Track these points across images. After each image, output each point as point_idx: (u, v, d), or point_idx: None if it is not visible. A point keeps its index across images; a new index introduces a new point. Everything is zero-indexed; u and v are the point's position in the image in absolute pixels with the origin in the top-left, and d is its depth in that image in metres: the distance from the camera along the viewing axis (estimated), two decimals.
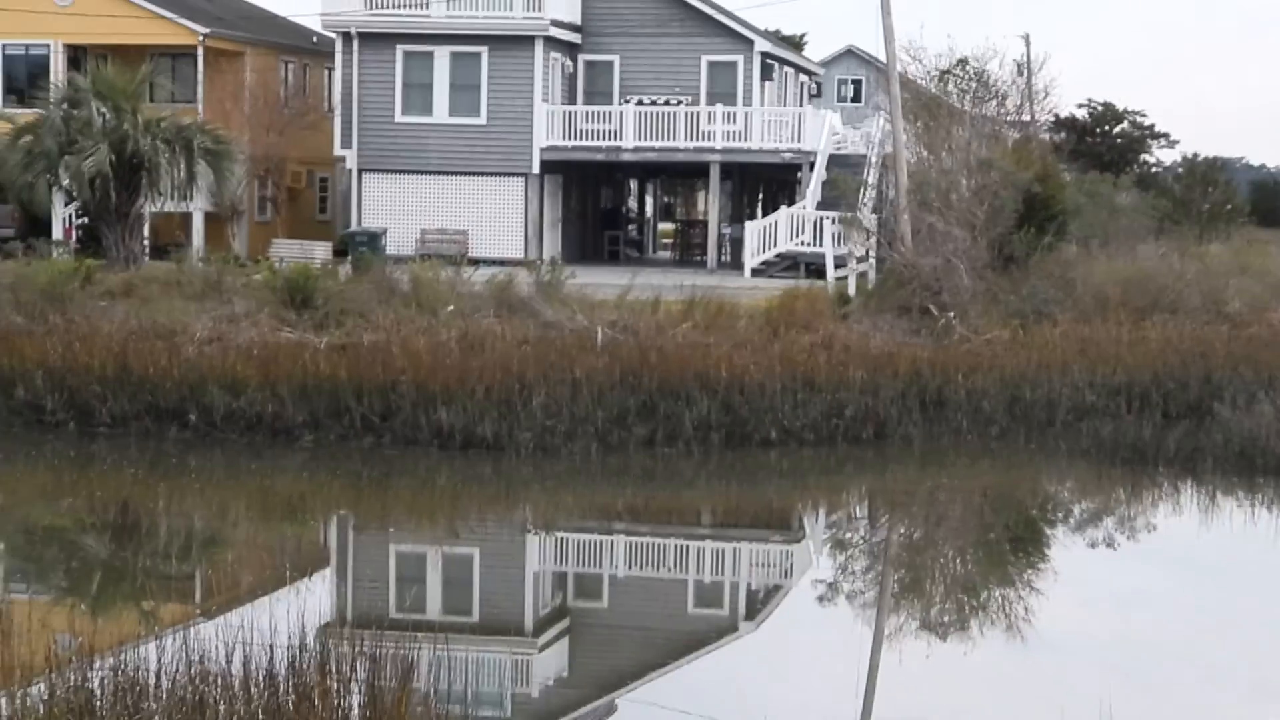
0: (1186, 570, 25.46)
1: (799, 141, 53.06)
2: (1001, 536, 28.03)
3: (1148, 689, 18.09)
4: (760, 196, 59.81)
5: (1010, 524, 29.06)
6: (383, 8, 54.15)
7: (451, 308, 36.98)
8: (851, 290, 42.66)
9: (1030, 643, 20.49)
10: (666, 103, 54.06)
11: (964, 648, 20.65)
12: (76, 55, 56.90)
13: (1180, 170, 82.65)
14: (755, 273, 48.35)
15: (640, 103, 54.03)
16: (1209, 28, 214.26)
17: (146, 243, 48.12)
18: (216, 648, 13.04)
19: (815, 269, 47.21)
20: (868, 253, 46.07)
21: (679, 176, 66.84)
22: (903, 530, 29.52)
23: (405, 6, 54.10)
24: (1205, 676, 19.14)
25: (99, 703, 12.04)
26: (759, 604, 24.18)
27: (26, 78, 56.26)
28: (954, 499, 31.05)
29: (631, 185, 65.33)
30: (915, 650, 20.42)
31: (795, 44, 80.00)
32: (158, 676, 12.41)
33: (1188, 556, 26.27)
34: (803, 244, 49.00)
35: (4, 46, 57.44)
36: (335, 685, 12.53)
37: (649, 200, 68.36)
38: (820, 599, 23.80)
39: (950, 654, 20.38)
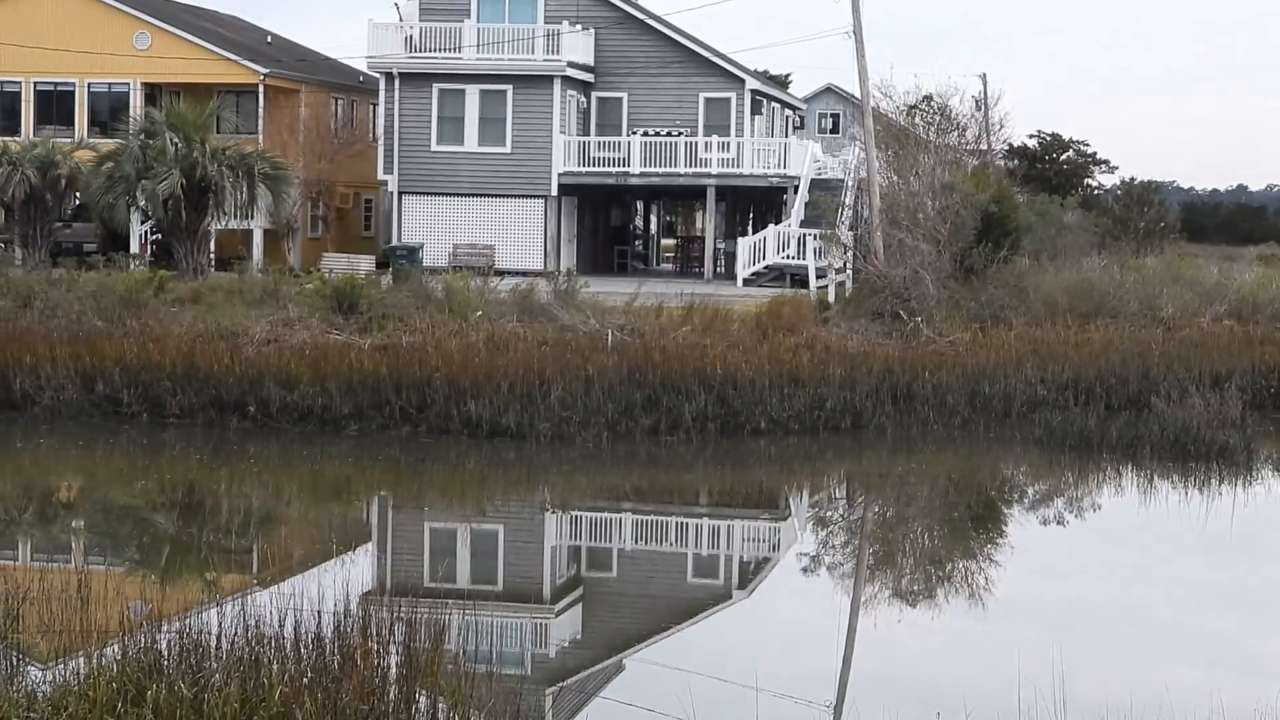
0: (1127, 544, 25.40)
1: (784, 167, 53.01)
2: (964, 515, 27.99)
3: (1094, 649, 17.99)
4: (750, 215, 59.69)
5: (971, 504, 29.00)
6: (421, 51, 54.13)
7: (480, 313, 36.91)
8: (831, 298, 42.59)
9: (990, 608, 20.43)
10: (669, 133, 54.05)
11: (931, 613, 20.59)
12: (153, 92, 56.90)
13: (1119, 192, 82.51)
14: (746, 282, 48.24)
15: (645, 133, 54.04)
16: (1146, 67, 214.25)
17: (212, 256, 48.08)
18: (270, 614, 12.98)
19: (799, 279, 47.15)
20: (845, 265, 46.04)
21: (679, 198, 66.75)
22: (877, 509, 29.43)
23: (440, 50, 54.04)
24: (1145, 635, 19.12)
25: (166, 662, 11.99)
26: (750, 574, 24.10)
27: (109, 112, 56.28)
28: (922, 482, 30.96)
29: (638, 206, 65.29)
30: (888, 615, 20.37)
31: (781, 82, 79.88)
32: (218, 639, 12.36)
33: (1128, 532, 26.20)
34: (788, 257, 48.91)
35: (89, 85, 57.48)
36: (375, 647, 12.47)
37: (653, 219, 68.30)
38: (804, 570, 23.76)
39: (919, 618, 20.33)
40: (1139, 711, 13.88)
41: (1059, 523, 26.99)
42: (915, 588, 22.24)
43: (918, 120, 58.42)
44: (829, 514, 29.25)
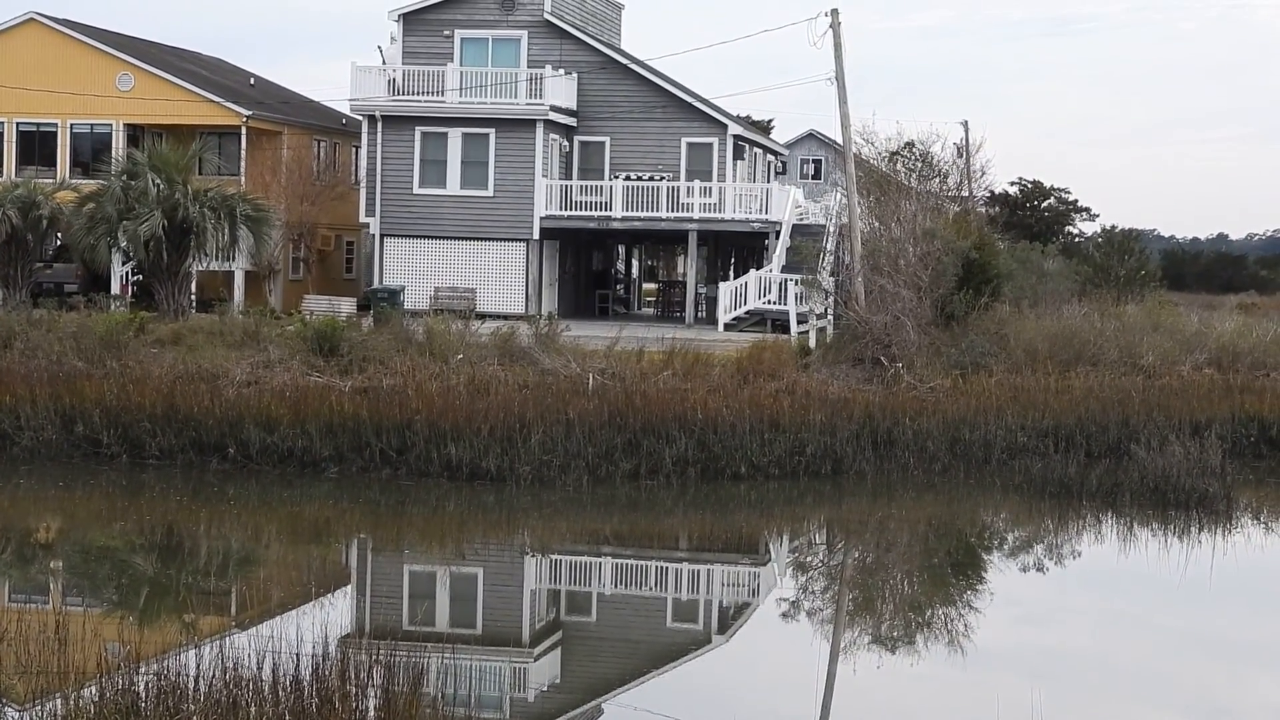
0: (1107, 592, 25.44)
1: (766, 213, 53.25)
2: (944, 561, 28.01)
3: (1073, 696, 18.01)
4: (732, 260, 59.79)
5: (951, 550, 29.02)
6: (404, 94, 54.35)
7: (460, 356, 36.91)
8: (812, 343, 42.59)
9: (970, 655, 20.42)
10: (651, 178, 54.25)
11: (911, 659, 20.56)
12: (135, 133, 57.07)
13: (1100, 240, 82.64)
14: (728, 327, 48.36)
15: (628, 178, 54.25)
16: (1126, 116, 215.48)
17: (193, 297, 48.14)
18: (249, 655, 12.96)
19: (780, 324, 47.27)
20: (826, 310, 46.13)
21: (661, 242, 66.93)
22: (857, 555, 29.43)
23: (423, 93, 54.26)
24: (1124, 683, 19.13)
25: (144, 704, 11.97)
26: (730, 619, 24.08)
27: (91, 152, 56.43)
28: (902, 528, 30.98)
29: (619, 250, 65.42)
30: (868, 661, 20.38)
31: (763, 128, 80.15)
32: (196, 681, 12.34)
33: (1108, 580, 26.24)
34: (769, 302, 49.06)
35: (72, 125, 57.65)
36: (354, 690, 12.46)
37: (634, 263, 68.41)
38: (784, 615, 23.74)
39: (899, 665, 20.31)
40: None
41: (1039, 569, 27.01)
42: (895, 634, 22.24)
43: (899, 167, 58.50)
44: (809, 559, 29.25)
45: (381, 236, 54.34)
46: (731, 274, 55.15)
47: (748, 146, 58.87)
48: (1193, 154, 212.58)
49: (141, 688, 12.19)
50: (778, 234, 52.17)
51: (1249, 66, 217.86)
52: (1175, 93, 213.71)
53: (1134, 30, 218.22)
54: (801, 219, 54.32)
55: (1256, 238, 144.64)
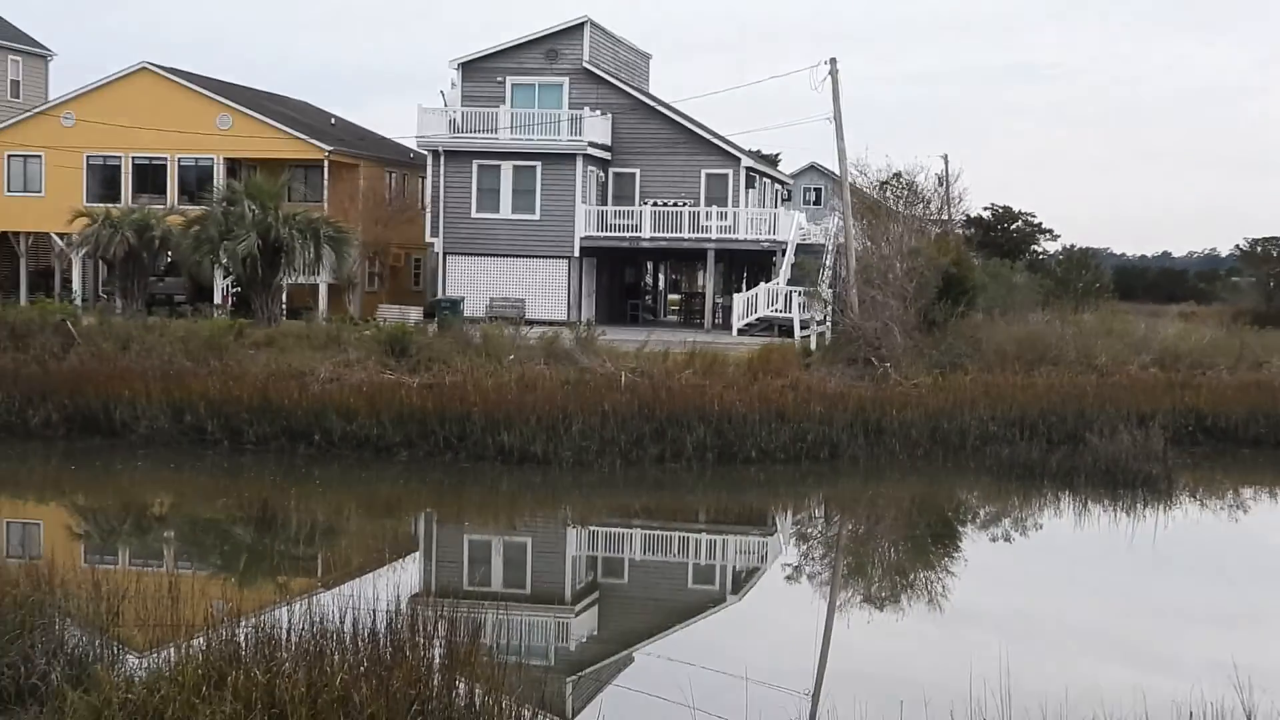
0: (1065, 559, 25.38)
1: (774, 234, 53.15)
2: (924, 533, 27.97)
3: (1035, 648, 18.01)
4: (744, 274, 59.77)
5: (931, 523, 28.98)
6: (462, 132, 54.40)
7: (512, 357, 36.98)
8: (813, 346, 42.66)
9: (946, 613, 20.46)
10: (675, 204, 54.21)
11: (896, 616, 20.59)
12: (233, 166, 57.24)
13: (1061, 257, 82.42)
14: (740, 332, 48.31)
15: (655, 204, 54.23)
16: (1085, 150, 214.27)
17: (283, 306, 48.25)
18: (332, 611, 12.99)
19: (786, 329, 47.22)
20: (825, 318, 46.14)
21: (683, 259, 66.81)
22: (850, 527, 29.42)
23: (479, 131, 54.32)
24: (1080, 638, 19.09)
25: (244, 652, 12.00)
26: (741, 582, 24.09)
27: (195, 182, 56.55)
28: (889, 504, 30.95)
29: (648, 265, 65.41)
30: (859, 618, 20.42)
31: (771, 160, 79.93)
32: (288, 633, 12.36)
33: (1066, 549, 26.17)
34: (777, 311, 48.99)
35: (179, 159, 57.85)
36: (422, 641, 12.47)
37: (660, 277, 68.42)
38: (787, 578, 23.77)
39: (885, 620, 20.35)
40: (1074, 704, 13.90)
41: (1006, 540, 27.00)
42: (882, 594, 22.25)
43: (888, 194, 58.56)
44: (809, 531, 29.24)
45: (444, 254, 54.38)
46: (744, 286, 55.14)
47: (758, 176, 58.79)
48: (1141, 182, 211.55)
49: (242, 639, 12.24)
50: (784, 252, 52.11)
51: (1189, 106, 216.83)
52: (1126, 129, 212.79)
53: (1092, 75, 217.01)
54: (804, 239, 54.23)
55: (1195, 255, 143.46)
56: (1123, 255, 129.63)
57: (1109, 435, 33.38)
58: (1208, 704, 10.56)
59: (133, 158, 58.13)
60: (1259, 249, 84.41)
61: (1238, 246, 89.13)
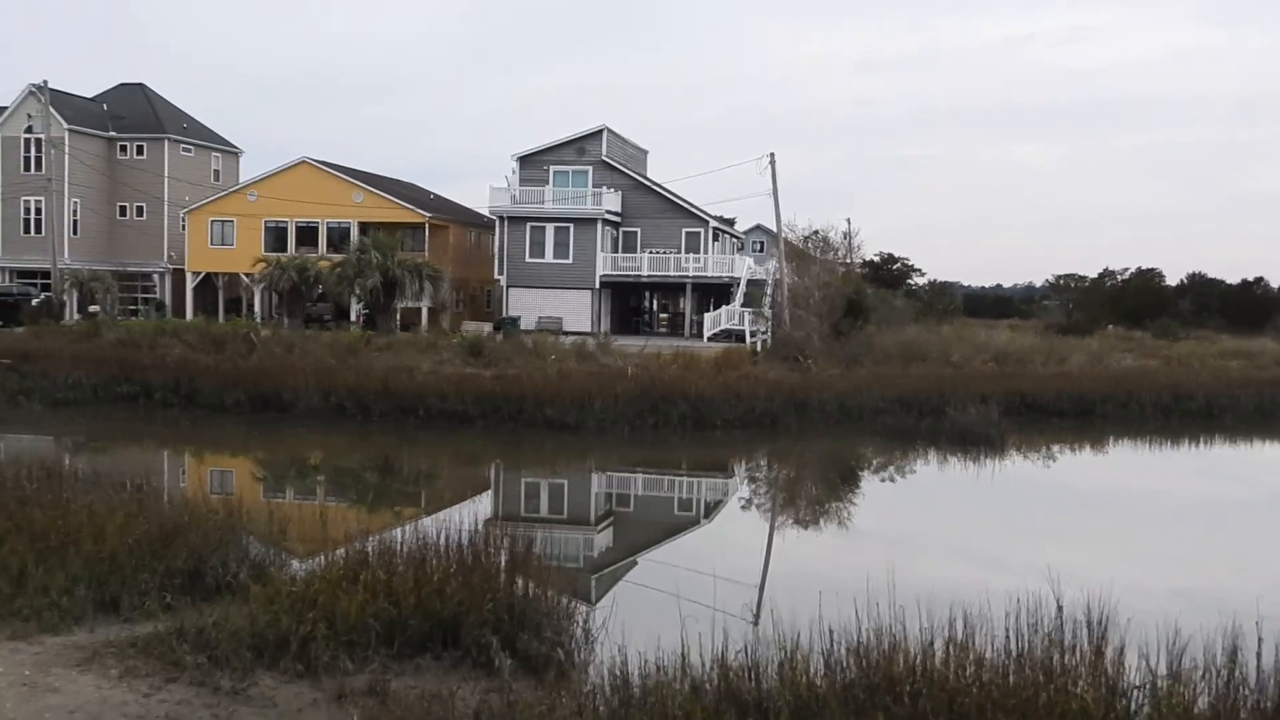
0: (932, 494, 25.37)
1: (732, 272, 53.22)
2: (835, 476, 27.92)
3: (912, 556, 17.95)
4: (712, 300, 59.79)
5: (840, 470, 28.93)
6: (519, 203, 54.46)
7: (553, 357, 37.02)
8: (759, 349, 42.58)
9: (851, 531, 20.42)
10: (664, 252, 54.25)
11: (816, 533, 20.56)
12: (364, 227, 57.24)
13: (927, 288, 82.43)
14: (710, 339, 48.32)
15: (651, 252, 54.28)
16: (945, 212, 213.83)
17: (398, 323, 48.39)
18: (432, 531, 12.89)
19: (740, 338, 47.25)
20: (766, 330, 46.05)
21: (670, 290, 66.74)
22: (785, 473, 29.38)
23: (531, 203, 54.43)
24: (941, 547, 19.06)
25: (370, 559, 11.90)
26: (711, 509, 24.06)
27: (338, 239, 56.71)
28: (812, 457, 30.90)
29: (646, 294, 65.33)
30: (792, 535, 20.39)
31: (730, 221, 79.58)
32: (401, 546, 12.25)
33: (933, 488, 26.15)
34: (734, 325, 49.03)
35: (327, 223, 57.89)
36: (492, 550, 12.41)
37: (654, 302, 68.25)
38: (742, 507, 23.74)
39: (809, 536, 20.31)
40: (938, 594, 13.81)
41: (891, 481, 26.94)
42: (806, 519, 22.21)
43: (809, 245, 58.54)
44: (757, 475, 29.19)
45: (507, 286, 54.47)
46: (711, 308, 55.14)
47: (721, 233, 58.88)
48: (982, 236, 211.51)
49: (369, 550, 12.19)
50: (739, 285, 52.16)
51: (1021, 182, 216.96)
52: (973, 198, 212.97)
53: (950, 161, 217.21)
54: (753, 276, 54.27)
55: (1019, 286, 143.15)
56: (971, 286, 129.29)
57: (961, 409, 33.38)
58: (1029, 594, 10.50)
59: (296, 222, 58.18)
60: (1061, 281, 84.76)
61: (1048, 280, 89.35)
